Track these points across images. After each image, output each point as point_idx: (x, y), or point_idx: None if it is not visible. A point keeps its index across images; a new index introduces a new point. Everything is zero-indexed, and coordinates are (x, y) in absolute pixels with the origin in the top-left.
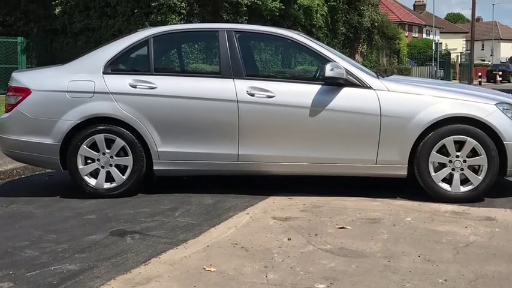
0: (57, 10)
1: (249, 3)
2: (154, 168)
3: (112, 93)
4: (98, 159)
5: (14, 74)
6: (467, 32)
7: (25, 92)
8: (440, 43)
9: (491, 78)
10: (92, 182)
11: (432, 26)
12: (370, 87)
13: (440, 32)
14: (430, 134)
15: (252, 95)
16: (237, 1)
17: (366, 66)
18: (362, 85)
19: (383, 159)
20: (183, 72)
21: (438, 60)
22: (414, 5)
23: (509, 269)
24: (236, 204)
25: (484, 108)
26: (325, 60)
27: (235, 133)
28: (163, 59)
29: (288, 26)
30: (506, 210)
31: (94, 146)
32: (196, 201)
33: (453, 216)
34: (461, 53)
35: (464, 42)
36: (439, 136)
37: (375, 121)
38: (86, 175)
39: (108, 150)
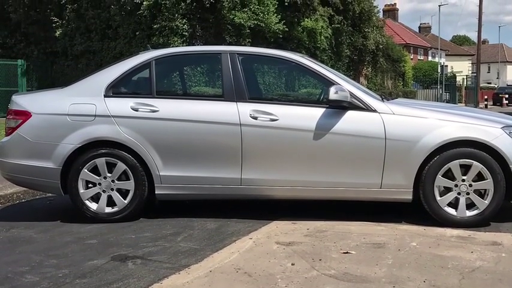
0: (58, 32)
1: (252, 26)
2: (156, 192)
3: (113, 116)
4: (99, 183)
5: (14, 97)
6: (473, 55)
7: (25, 115)
8: (446, 66)
9: (497, 101)
10: (93, 206)
11: (438, 49)
12: (374, 111)
13: (445, 55)
14: (435, 158)
15: (255, 118)
16: (240, 23)
17: (370, 89)
18: (367, 108)
19: (388, 183)
20: (186, 95)
21: (444, 83)
22: (419, 27)
23: None
24: (239, 229)
25: (490, 132)
26: (329, 83)
27: (238, 157)
28: (165, 81)
29: (291, 48)
30: None
31: (95, 170)
32: (199, 226)
33: (459, 241)
34: (467, 75)
35: (470, 64)
36: (445, 160)
37: (380, 145)
38: (87, 199)
39: (109, 174)
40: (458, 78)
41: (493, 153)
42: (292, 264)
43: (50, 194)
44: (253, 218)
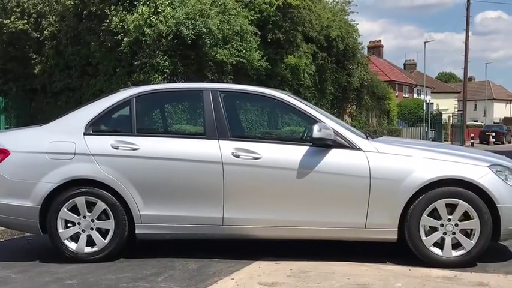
0: (37, 69)
1: (235, 62)
2: (137, 231)
3: (93, 154)
4: (79, 223)
5: None
6: (460, 92)
7: (3, 153)
8: (432, 103)
9: (484, 139)
10: (72, 246)
11: (423, 86)
12: (359, 149)
13: (431, 92)
14: (421, 197)
15: (238, 156)
16: (222, 60)
17: (354, 126)
18: (351, 146)
19: (372, 223)
20: (167, 133)
21: (429, 120)
22: (405, 64)
23: None
24: (221, 269)
25: (476, 171)
26: (313, 120)
27: (220, 196)
28: (146, 119)
29: (274, 85)
30: (500, 276)
31: (75, 209)
32: (180, 266)
33: (445, 281)
34: (453, 113)
35: (456, 102)
36: (430, 199)
37: (364, 183)
38: (66, 239)
39: (89, 214)
40: (444, 116)
41: (480, 192)
42: None
43: (29, 234)
44: (235, 257)
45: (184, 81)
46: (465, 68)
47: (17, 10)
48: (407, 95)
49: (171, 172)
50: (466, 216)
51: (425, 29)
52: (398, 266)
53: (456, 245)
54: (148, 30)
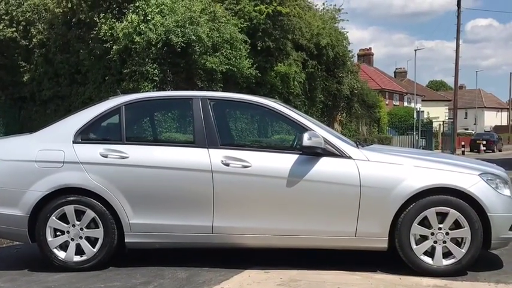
0: (26, 77)
1: (224, 70)
2: (126, 240)
3: (82, 163)
4: (68, 231)
5: None
6: (450, 100)
7: None
8: (422, 111)
9: (474, 147)
10: (61, 254)
11: (413, 94)
12: (349, 157)
13: (422, 100)
14: (411, 206)
15: (227, 164)
16: (212, 68)
17: (345, 135)
18: (341, 155)
19: (363, 232)
20: (156, 141)
21: (420, 129)
22: (395, 72)
23: None
24: (210, 278)
25: (467, 179)
26: (303, 129)
27: (210, 204)
28: (135, 127)
29: (264, 93)
30: (490, 285)
31: (64, 218)
32: (170, 275)
33: None
34: (443, 121)
35: (447, 110)
36: (421, 207)
37: (354, 192)
38: (55, 248)
39: (78, 222)
40: (435, 124)
41: (471, 201)
42: None
43: (18, 242)
44: (225, 266)
45: (174, 89)
46: (456, 76)
47: (6, 18)
48: (397, 103)
49: (160, 180)
50: (456, 225)
51: (416, 37)
52: (389, 274)
53: (447, 254)
54: (137, 38)
